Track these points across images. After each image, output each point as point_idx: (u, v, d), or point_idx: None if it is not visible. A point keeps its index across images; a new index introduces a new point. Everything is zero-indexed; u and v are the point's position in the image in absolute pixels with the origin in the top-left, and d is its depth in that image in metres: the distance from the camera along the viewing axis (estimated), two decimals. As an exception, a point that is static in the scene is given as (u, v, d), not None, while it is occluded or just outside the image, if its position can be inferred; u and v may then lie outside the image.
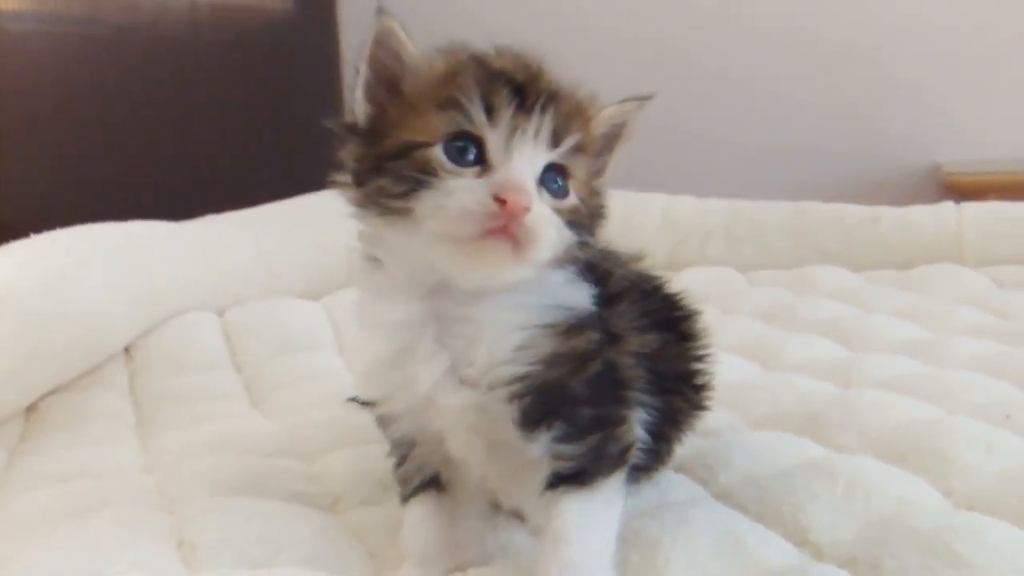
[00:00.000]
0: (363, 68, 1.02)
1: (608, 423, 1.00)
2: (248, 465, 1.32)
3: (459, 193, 0.92)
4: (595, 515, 0.97)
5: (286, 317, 2.09)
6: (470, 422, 1.01)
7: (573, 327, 1.00)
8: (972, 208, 2.49)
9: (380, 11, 1.02)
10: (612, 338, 1.05)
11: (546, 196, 0.96)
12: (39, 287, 1.72)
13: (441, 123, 0.96)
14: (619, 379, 1.04)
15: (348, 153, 1.02)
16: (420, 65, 1.01)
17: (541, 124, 0.95)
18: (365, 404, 1.44)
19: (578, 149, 0.99)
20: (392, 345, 1.02)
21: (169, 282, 2.10)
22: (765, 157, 3.73)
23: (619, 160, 1.08)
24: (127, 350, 1.95)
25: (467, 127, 0.95)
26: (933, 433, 1.27)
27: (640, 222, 2.60)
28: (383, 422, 1.11)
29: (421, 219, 0.94)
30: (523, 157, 0.95)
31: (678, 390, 1.17)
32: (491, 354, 0.98)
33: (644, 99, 1.07)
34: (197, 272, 2.19)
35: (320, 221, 2.35)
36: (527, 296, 1.00)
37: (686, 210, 2.67)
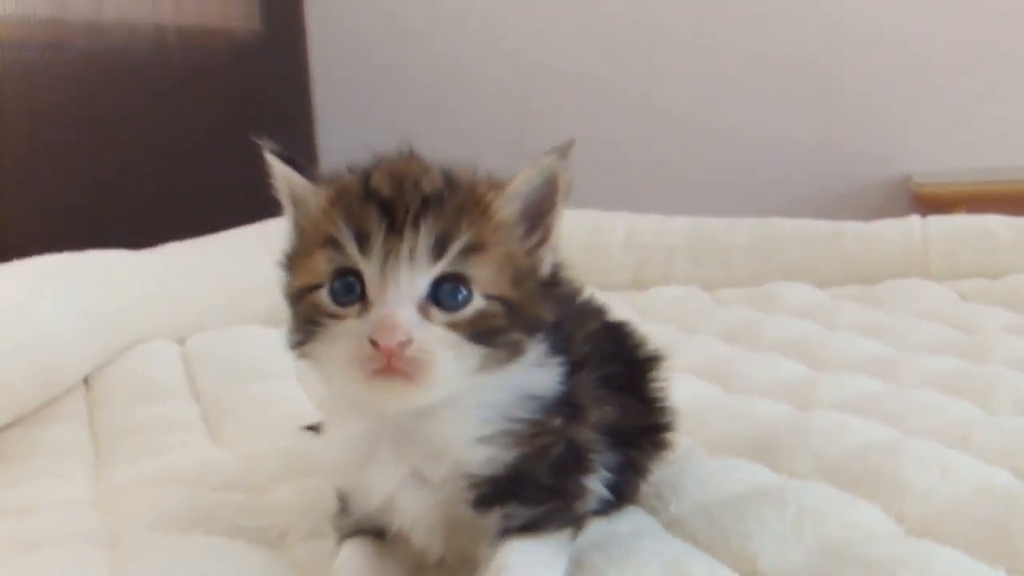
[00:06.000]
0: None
1: (565, 495, 1.01)
2: (195, 499, 1.30)
3: (341, 340, 0.93)
4: (541, 554, 0.97)
5: (247, 345, 2.07)
6: (431, 519, 1.02)
7: (539, 426, 0.99)
8: (937, 221, 2.48)
9: (263, 145, 1.02)
10: (575, 412, 1.04)
11: (438, 314, 0.93)
12: (-7, 318, 1.71)
13: (324, 262, 0.96)
14: (580, 454, 1.04)
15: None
16: (309, 197, 1.00)
17: (416, 240, 0.92)
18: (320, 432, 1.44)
19: (473, 248, 0.94)
20: (351, 452, 1.03)
21: (128, 311, 2.08)
22: (733, 173, 3.73)
23: (563, 217, 1.01)
24: (86, 381, 1.93)
25: (345, 263, 0.94)
26: (888, 456, 1.26)
27: (603, 242, 2.57)
28: (340, 496, 1.11)
29: (320, 365, 0.97)
30: (398, 285, 0.92)
31: (638, 444, 1.17)
32: (454, 468, 0.98)
33: (563, 149, 0.99)
34: (157, 301, 2.17)
35: (283, 246, 2.34)
36: (487, 396, 0.99)
37: (650, 229, 2.65)
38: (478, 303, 0.94)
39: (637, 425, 1.16)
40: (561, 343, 1.04)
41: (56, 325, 1.84)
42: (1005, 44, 3.61)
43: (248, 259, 2.35)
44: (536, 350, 1.00)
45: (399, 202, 0.94)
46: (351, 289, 0.94)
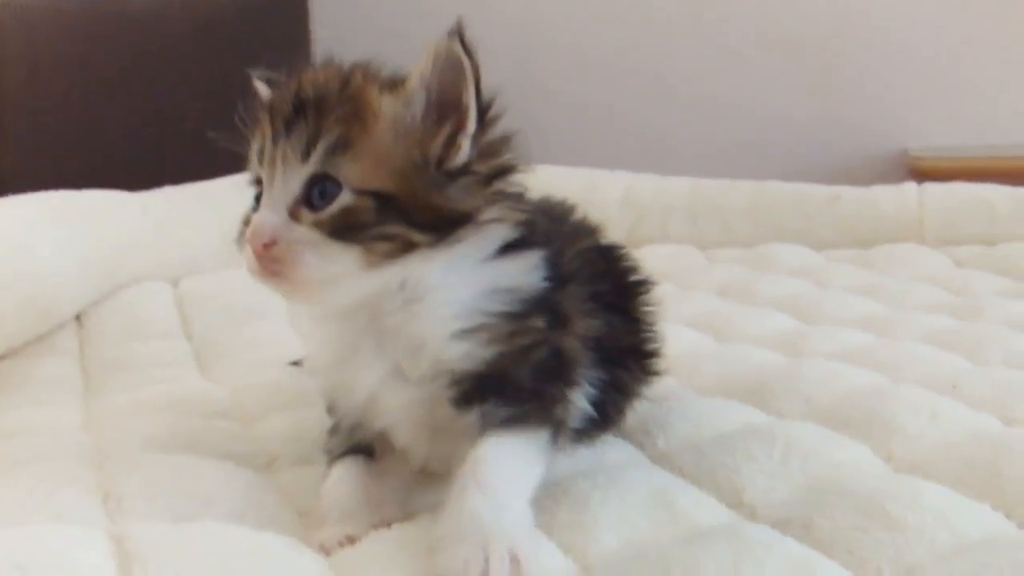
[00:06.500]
0: None
1: (544, 397, 1.01)
2: (185, 425, 1.30)
3: (245, 246, 0.98)
4: (520, 450, 0.97)
5: (240, 287, 2.05)
6: (414, 417, 1.03)
7: (518, 320, 1.00)
8: (933, 188, 2.48)
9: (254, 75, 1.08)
10: (560, 320, 1.04)
11: (307, 214, 0.96)
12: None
13: (251, 173, 1.02)
14: (564, 362, 1.04)
15: None
16: None
17: (287, 145, 0.96)
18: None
19: (342, 146, 0.96)
20: (334, 351, 1.05)
21: (123, 251, 2.08)
22: (731, 146, 3.70)
23: (474, 101, 0.98)
24: (78, 318, 1.94)
25: (256, 171, 1.00)
26: (878, 401, 1.27)
27: (600, 199, 2.57)
28: (330, 409, 1.13)
29: None
30: (271, 192, 0.97)
31: (624, 363, 1.16)
32: (433, 363, 0.99)
33: (456, 31, 0.97)
34: (152, 242, 2.18)
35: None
36: (465, 290, 1.00)
37: (648, 188, 2.65)
38: (344, 200, 0.96)
39: (624, 344, 1.16)
40: (550, 256, 1.05)
41: (51, 259, 1.84)
42: (1003, 20, 3.60)
43: (241, 204, 2.34)
44: (492, 238, 1.01)
45: (278, 110, 0.99)
46: (259, 197, 1.00)
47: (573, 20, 3.71)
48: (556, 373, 1.03)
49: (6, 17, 2.74)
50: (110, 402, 1.46)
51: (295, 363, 1.52)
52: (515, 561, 0.88)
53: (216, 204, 2.30)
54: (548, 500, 1.01)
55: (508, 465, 0.95)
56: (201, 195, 2.39)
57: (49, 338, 1.81)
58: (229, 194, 2.36)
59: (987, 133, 3.55)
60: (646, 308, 1.21)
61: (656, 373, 1.23)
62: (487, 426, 0.98)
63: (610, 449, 1.18)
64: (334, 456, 1.09)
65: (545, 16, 3.68)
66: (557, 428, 1.02)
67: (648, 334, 1.21)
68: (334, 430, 1.12)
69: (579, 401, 1.08)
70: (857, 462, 1.13)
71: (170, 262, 2.18)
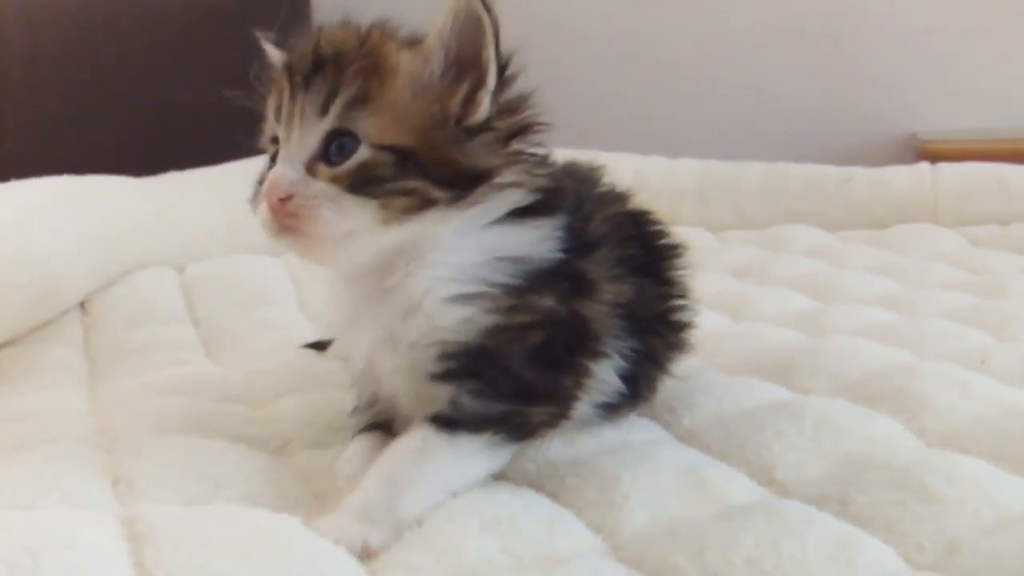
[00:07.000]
0: None
1: (529, 395, 0.98)
2: (195, 408, 1.27)
3: (260, 203, 0.97)
4: (450, 449, 0.96)
5: (247, 272, 2.04)
6: (405, 385, 1.01)
7: (521, 295, 0.98)
8: (947, 168, 2.45)
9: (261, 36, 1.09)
10: (587, 286, 1.02)
11: (324, 169, 0.95)
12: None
13: (267, 133, 1.01)
14: (586, 333, 1.02)
15: None
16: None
17: (305, 101, 0.95)
18: (320, 349, 1.42)
19: (360, 101, 0.95)
20: (339, 313, 1.05)
21: (128, 236, 2.06)
22: (739, 131, 3.67)
23: (493, 58, 0.98)
24: (82, 305, 1.90)
25: (272, 131, 0.99)
26: (906, 376, 1.23)
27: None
28: (352, 379, 1.13)
29: None
30: (288, 148, 0.96)
31: (656, 331, 1.13)
32: (427, 328, 0.98)
33: None
34: (157, 227, 2.15)
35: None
36: (469, 254, 0.98)
37: (657, 170, 2.61)
38: (362, 154, 0.95)
39: (655, 310, 1.13)
40: (576, 221, 1.03)
41: (55, 244, 1.81)
42: (1011, 4, 3.57)
43: (247, 189, 2.31)
44: (506, 203, 0.99)
45: (297, 67, 0.97)
46: (274, 157, 0.98)
47: (581, 4, 3.68)
48: (550, 362, 1.00)
49: (7, 5, 2.72)
50: (117, 387, 1.43)
51: (309, 345, 1.50)
52: (368, 553, 0.88)
53: (220, 190, 2.27)
54: (575, 479, 0.98)
55: (426, 460, 0.95)
56: (205, 181, 2.36)
57: (53, 325, 1.78)
58: (233, 180, 2.35)
59: (995, 117, 3.52)
60: (678, 272, 1.18)
61: (687, 345, 1.21)
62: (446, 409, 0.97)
63: (635, 428, 1.14)
64: (356, 432, 1.08)
65: (553, 6, 3.65)
66: (522, 432, 1.00)
67: (681, 300, 1.18)
68: (355, 409, 1.11)
69: (607, 376, 1.06)
70: (890, 436, 1.10)
71: (174, 248, 2.15)
